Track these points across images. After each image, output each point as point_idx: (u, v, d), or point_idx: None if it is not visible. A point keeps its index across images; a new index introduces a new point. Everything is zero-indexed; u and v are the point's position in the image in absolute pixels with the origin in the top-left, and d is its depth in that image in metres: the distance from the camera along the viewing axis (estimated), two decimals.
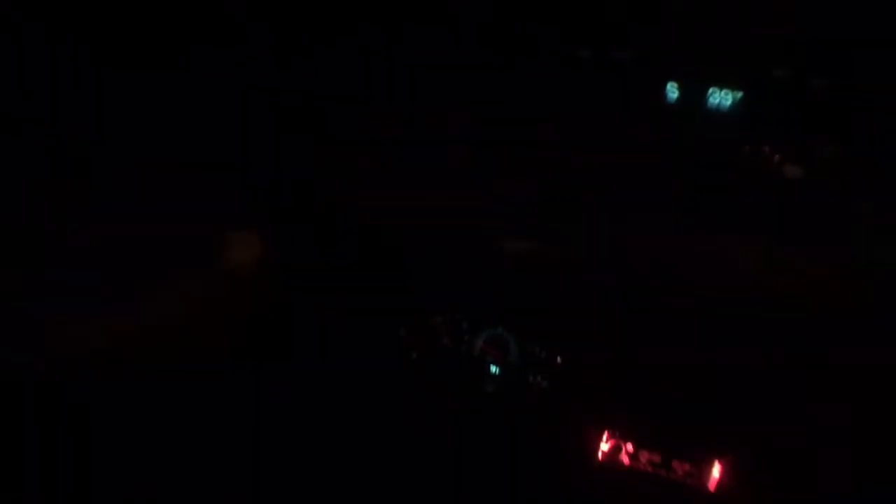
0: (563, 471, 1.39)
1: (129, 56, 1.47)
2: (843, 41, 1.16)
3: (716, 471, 1.29)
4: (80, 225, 1.40)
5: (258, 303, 1.55)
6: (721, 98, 1.24)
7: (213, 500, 1.44)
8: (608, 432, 1.36)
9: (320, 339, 1.54)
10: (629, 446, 1.35)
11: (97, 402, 1.39)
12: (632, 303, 1.45)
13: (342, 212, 1.52)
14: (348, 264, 1.54)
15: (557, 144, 1.52)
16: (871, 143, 1.21)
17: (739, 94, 1.22)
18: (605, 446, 1.36)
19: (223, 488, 1.42)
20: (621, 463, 1.35)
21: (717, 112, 1.25)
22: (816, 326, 1.34)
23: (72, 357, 1.36)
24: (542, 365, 1.43)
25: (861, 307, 1.34)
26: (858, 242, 1.35)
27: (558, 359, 1.42)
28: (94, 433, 1.39)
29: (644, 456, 1.34)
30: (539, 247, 1.52)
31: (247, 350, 1.53)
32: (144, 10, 1.46)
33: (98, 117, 1.46)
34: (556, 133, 1.50)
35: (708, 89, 1.24)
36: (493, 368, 1.46)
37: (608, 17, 1.27)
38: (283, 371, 1.53)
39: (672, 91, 1.26)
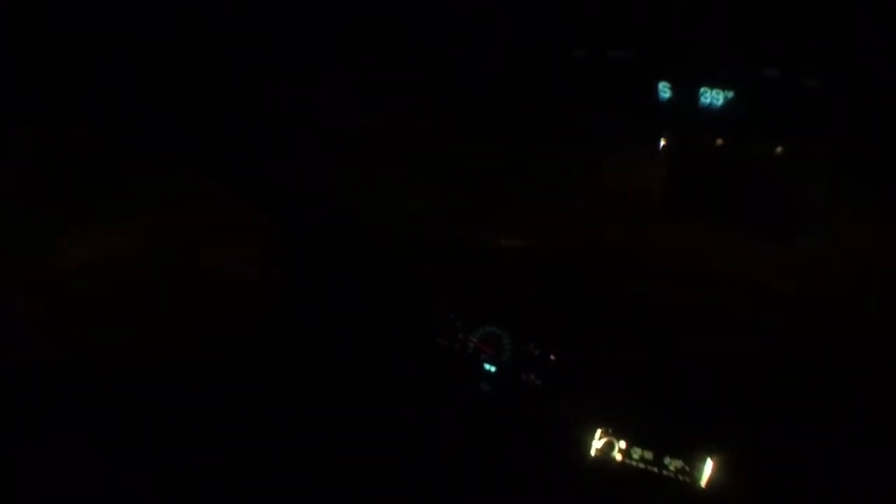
0: (555, 468, 1.40)
1: None
2: (835, 40, 1.15)
3: (708, 468, 1.30)
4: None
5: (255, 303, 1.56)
6: (712, 97, 1.23)
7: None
8: (601, 430, 1.38)
9: (315, 338, 1.55)
10: (622, 443, 1.36)
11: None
12: (625, 301, 1.46)
13: (337, 212, 1.52)
14: (343, 264, 1.54)
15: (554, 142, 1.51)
16: (863, 143, 1.21)
17: (731, 94, 1.22)
18: (597, 443, 1.37)
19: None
20: (614, 460, 1.36)
21: (709, 111, 1.24)
22: (809, 324, 1.35)
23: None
24: (535, 363, 1.44)
25: (853, 304, 1.35)
26: (851, 240, 1.36)
27: (552, 357, 1.43)
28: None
29: (636, 453, 1.35)
30: (532, 243, 1.52)
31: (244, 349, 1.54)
32: None
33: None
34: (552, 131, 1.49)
35: (699, 89, 1.24)
36: (487, 366, 1.47)
37: (601, 16, 1.26)
38: (276, 372, 1.54)
39: (664, 90, 1.26)
